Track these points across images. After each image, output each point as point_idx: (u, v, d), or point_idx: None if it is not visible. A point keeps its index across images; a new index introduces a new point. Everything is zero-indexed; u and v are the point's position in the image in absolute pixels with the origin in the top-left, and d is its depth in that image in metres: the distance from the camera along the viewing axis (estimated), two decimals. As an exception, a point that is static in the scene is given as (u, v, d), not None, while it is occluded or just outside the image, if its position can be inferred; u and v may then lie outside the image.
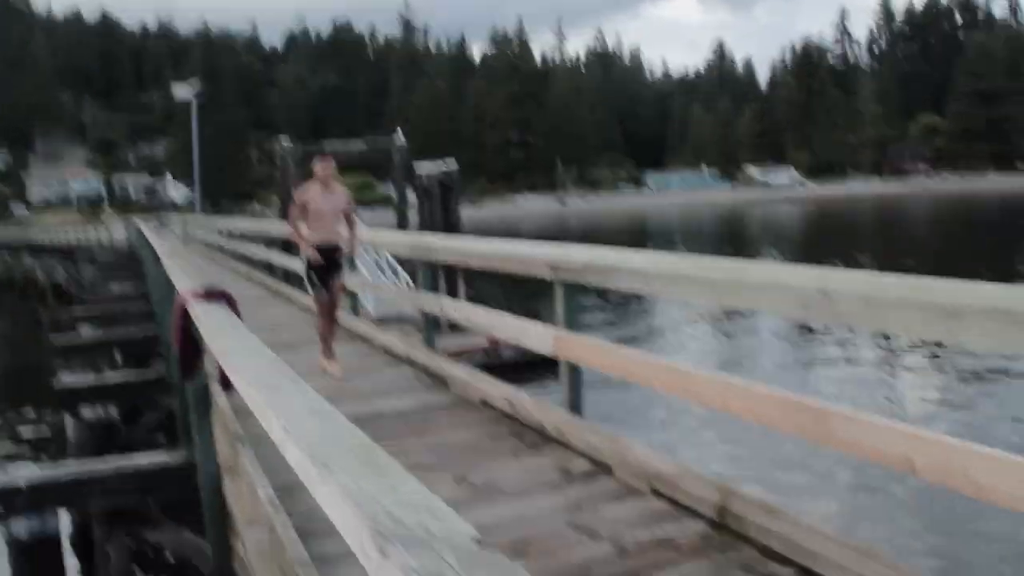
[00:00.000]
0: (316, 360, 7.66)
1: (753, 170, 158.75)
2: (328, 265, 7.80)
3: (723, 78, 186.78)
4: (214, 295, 4.03)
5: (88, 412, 9.23)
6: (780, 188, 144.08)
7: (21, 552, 5.66)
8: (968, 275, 3.33)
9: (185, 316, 4.08)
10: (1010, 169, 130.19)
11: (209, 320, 3.40)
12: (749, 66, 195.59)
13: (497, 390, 6.06)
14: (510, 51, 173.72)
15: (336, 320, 8.14)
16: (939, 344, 14.24)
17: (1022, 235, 46.41)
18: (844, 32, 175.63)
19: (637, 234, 67.84)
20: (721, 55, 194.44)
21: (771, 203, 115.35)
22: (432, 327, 8.11)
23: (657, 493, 4.23)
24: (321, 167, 7.71)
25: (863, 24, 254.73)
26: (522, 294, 26.00)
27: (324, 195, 7.70)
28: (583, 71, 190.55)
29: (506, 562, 1.12)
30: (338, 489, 1.29)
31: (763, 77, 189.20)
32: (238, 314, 3.95)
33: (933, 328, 3.01)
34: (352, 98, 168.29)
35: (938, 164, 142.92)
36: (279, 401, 1.87)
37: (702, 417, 11.64)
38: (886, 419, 3.30)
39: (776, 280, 3.76)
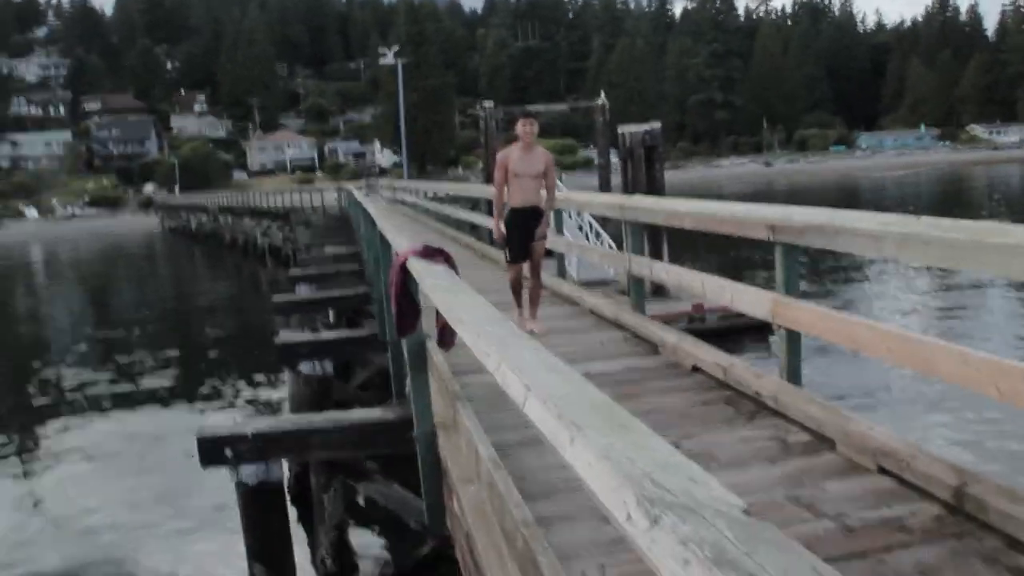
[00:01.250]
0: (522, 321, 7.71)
1: (978, 129, 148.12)
2: (527, 226, 7.76)
3: (945, 28, 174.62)
4: (433, 253, 4.08)
5: (306, 367, 9.67)
6: (1010, 148, 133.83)
7: (248, 495, 6.00)
8: None
9: (404, 273, 4.16)
10: None
11: (431, 276, 3.42)
12: (975, 13, 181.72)
13: (710, 355, 5.89)
14: (712, 6, 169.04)
15: (540, 282, 8.07)
16: None
17: None
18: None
19: (847, 198, 64.98)
20: (943, 2, 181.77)
21: (997, 164, 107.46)
22: (641, 291, 7.99)
23: (884, 471, 3.97)
24: (523, 127, 7.56)
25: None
26: (724, 261, 25.50)
27: (525, 157, 7.61)
28: (790, 24, 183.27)
29: (781, 535, 1.03)
30: (594, 450, 1.22)
31: (991, 25, 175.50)
32: (456, 271, 3.99)
33: None
34: (553, 60, 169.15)
35: None
36: (513, 356, 1.82)
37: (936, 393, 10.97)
38: None
39: (1028, 243, 3.42)
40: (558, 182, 29.59)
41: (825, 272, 23.44)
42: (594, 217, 17.34)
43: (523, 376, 1.63)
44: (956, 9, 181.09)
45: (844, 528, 3.48)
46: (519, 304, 7.91)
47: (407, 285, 4.17)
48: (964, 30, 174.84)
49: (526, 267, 7.89)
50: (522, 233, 7.75)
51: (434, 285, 3.13)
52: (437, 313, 3.65)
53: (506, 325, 2.26)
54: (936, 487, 3.69)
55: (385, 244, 6.73)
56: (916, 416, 10.93)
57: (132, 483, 11.37)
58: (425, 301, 4.05)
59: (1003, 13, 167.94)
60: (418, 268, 3.72)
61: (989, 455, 9.23)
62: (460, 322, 2.38)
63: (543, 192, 7.75)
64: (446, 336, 4.11)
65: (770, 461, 4.27)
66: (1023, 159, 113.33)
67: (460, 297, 2.77)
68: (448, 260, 4.05)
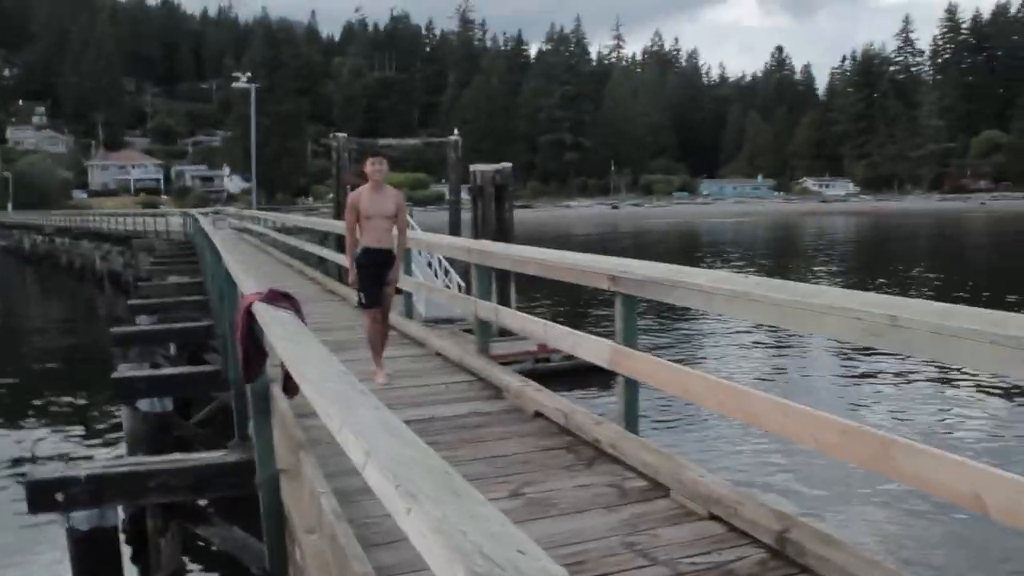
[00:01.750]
0: (368, 363, 7.68)
1: (809, 181, 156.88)
2: (379, 270, 7.61)
3: (781, 85, 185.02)
4: (279, 297, 4.06)
5: (144, 404, 9.35)
6: (836, 200, 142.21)
7: (80, 542, 5.76)
8: None
9: (250, 318, 4.12)
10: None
11: (276, 325, 3.42)
12: (808, 73, 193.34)
13: (552, 402, 6.04)
14: (567, 50, 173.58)
15: (388, 324, 7.95)
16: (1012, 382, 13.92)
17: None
18: (907, 41, 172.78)
19: (689, 242, 67.48)
20: (780, 61, 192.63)
21: (826, 215, 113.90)
22: (486, 334, 8.11)
23: (714, 517, 4.18)
24: (372, 167, 7.42)
25: (927, 34, 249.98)
26: (570, 300, 26.03)
27: (375, 197, 7.48)
28: (640, 72, 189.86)
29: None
30: (427, 523, 1.29)
31: (822, 85, 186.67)
32: (302, 317, 3.98)
33: (1007, 364, 2.93)
34: (408, 92, 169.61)
35: (1000, 181, 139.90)
36: (354, 419, 1.87)
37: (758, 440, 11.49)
38: (953, 454, 3.22)
39: (844, 305, 3.69)
40: (410, 220, 29.62)
41: (668, 320, 24.23)
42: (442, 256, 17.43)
43: (363, 441, 1.68)
44: (792, 68, 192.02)
45: (676, 574, 3.64)
46: (378, 359, 7.68)
47: (253, 330, 4.14)
48: (798, 88, 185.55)
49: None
50: (374, 274, 7.59)
51: (280, 334, 3.13)
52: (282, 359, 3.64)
53: (349, 381, 2.29)
54: (761, 532, 3.91)
55: (230, 280, 6.63)
56: (746, 463, 11.42)
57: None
58: (271, 347, 4.03)
59: (832, 75, 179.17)
60: (264, 315, 3.70)
61: (807, 501, 9.75)
62: (303, 378, 2.40)
63: (395, 232, 7.66)
64: (291, 383, 4.09)
65: (607, 508, 4.41)
66: (847, 211, 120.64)
67: (304, 350, 2.79)
68: (294, 305, 4.04)
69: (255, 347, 4.24)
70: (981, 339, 2.96)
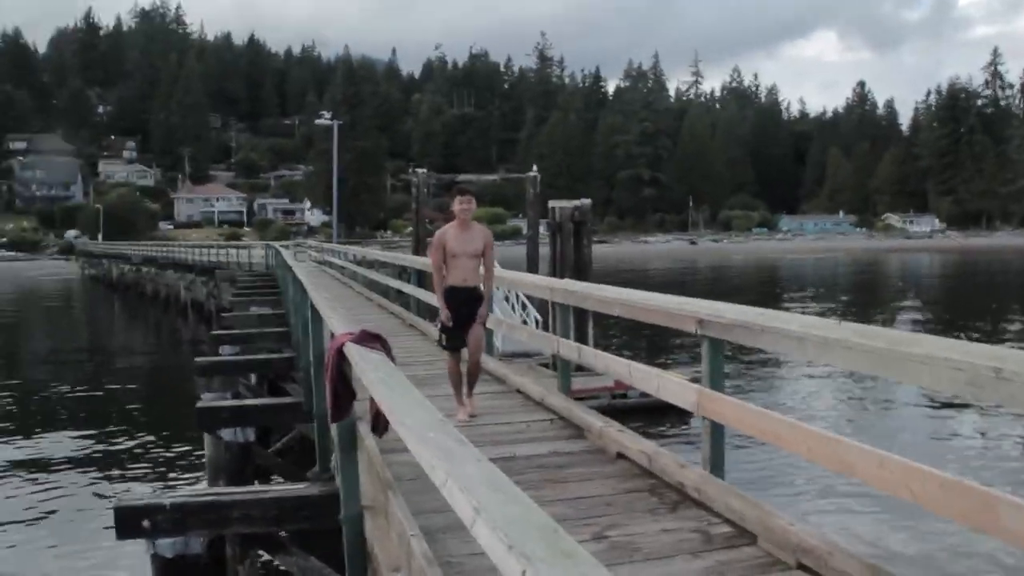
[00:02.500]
0: (449, 398, 7.69)
1: (893, 217, 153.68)
2: (464, 309, 7.47)
3: (863, 120, 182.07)
4: (370, 338, 4.11)
5: (226, 433, 9.53)
6: (920, 237, 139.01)
7: (163, 568, 5.87)
8: None
9: (340, 358, 4.18)
10: None
11: (370, 367, 3.45)
12: (891, 108, 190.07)
13: (635, 443, 5.98)
14: (645, 86, 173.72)
15: (479, 361, 7.72)
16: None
17: None
18: (995, 74, 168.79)
19: (768, 279, 66.52)
20: (862, 96, 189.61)
21: (910, 252, 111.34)
22: (567, 372, 8.08)
23: (804, 567, 4.08)
24: (460, 205, 7.28)
25: (1017, 66, 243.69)
26: (646, 335, 25.79)
27: (462, 236, 7.35)
28: (717, 108, 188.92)
29: None
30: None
31: (906, 120, 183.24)
32: (392, 358, 4.02)
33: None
34: (486, 129, 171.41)
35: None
36: (459, 473, 1.87)
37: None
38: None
39: (944, 355, 3.58)
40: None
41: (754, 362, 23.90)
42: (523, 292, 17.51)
43: (471, 497, 1.68)
44: (874, 103, 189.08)
45: (763, 626, 3.56)
46: (459, 397, 7.57)
47: (343, 369, 4.19)
48: (881, 123, 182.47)
49: (465, 351, 7.59)
50: (460, 315, 7.44)
51: (375, 379, 3.16)
52: (372, 398, 3.67)
53: (448, 430, 2.30)
54: (851, 585, 3.80)
55: (315, 315, 6.73)
56: (835, 511, 11.13)
57: (40, 554, 10.95)
58: (359, 385, 4.07)
59: (916, 110, 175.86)
60: (356, 356, 3.75)
61: (899, 554, 9.46)
62: (402, 425, 2.42)
63: (482, 270, 7.58)
64: (380, 422, 4.14)
65: (692, 554, 4.34)
66: (932, 248, 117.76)
67: (401, 395, 2.81)
68: (385, 347, 4.09)
69: (345, 386, 4.29)
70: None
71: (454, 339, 7.53)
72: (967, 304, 43.54)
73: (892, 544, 9.83)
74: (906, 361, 3.79)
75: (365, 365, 3.46)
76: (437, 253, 7.46)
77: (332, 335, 4.64)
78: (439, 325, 7.65)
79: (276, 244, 30.76)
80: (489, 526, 1.53)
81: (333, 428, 5.03)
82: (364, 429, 4.90)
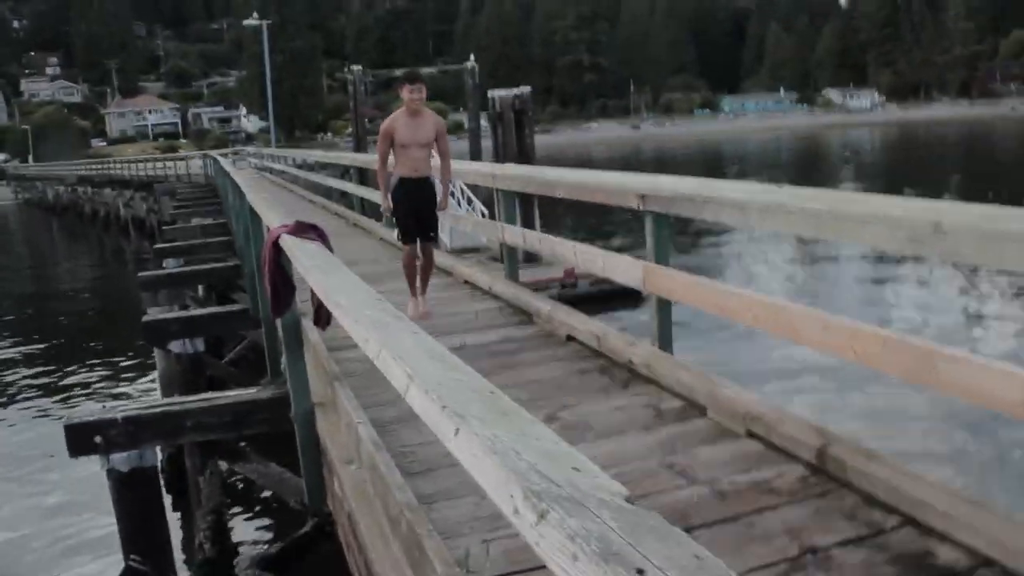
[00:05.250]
0: (396, 293, 7.61)
1: (833, 93, 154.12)
2: (417, 202, 7.17)
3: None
4: (306, 229, 4.01)
5: (176, 346, 9.41)
6: (861, 112, 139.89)
7: (120, 483, 5.82)
8: None
9: (277, 251, 4.07)
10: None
11: (304, 256, 3.37)
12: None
13: (584, 325, 5.99)
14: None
15: (432, 259, 7.52)
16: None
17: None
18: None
19: (713, 161, 66.79)
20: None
21: (851, 127, 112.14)
22: (514, 260, 8.05)
23: (752, 435, 4.13)
24: (410, 93, 6.87)
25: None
26: (594, 226, 25.85)
27: (412, 124, 6.95)
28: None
29: (663, 523, 1.06)
30: (479, 444, 1.23)
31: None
32: (330, 248, 3.93)
33: (1059, 264, 2.83)
34: (421, 22, 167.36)
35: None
36: (394, 343, 1.81)
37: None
38: (999, 362, 3.13)
39: (884, 213, 3.57)
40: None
41: (698, 239, 24.06)
42: (465, 183, 17.34)
43: (405, 364, 1.63)
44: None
45: (716, 493, 3.61)
46: (414, 290, 7.36)
47: (280, 263, 4.09)
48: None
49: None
50: (413, 206, 7.17)
51: (309, 266, 3.08)
52: (312, 291, 3.60)
53: (385, 307, 2.24)
54: (800, 449, 3.85)
55: (255, 217, 6.59)
56: (785, 379, 11.35)
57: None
58: (300, 279, 3.99)
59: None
60: (291, 246, 3.65)
61: (849, 415, 9.69)
62: (338, 306, 2.35)
63: (435, 161, 7.34)
64: (322, 314, 4.06)
65: (645, 429, 4.38)
66: (872, 123, 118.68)
67: (336, 278, 2.74)
68: (321, 236, 3.99)
69: (284, 281, 4.21)
70: (1028, 240, 2.85)
71: (410, 229, 7.24)
72: (908, 174, 44.14)
73: (838, 408, 10.06)
74: (847, 221, 3.78)
75: (300, 254, 3.37)
76: (384, 143, 7.11)
77: (268, 230, 4.52)
78: (397, 236, 7.38)
79: (214, 153, 30.06)
80: (422, 389, 1.48)
81: (278, 327, 4.97)
82: (309, 325, 4.83)
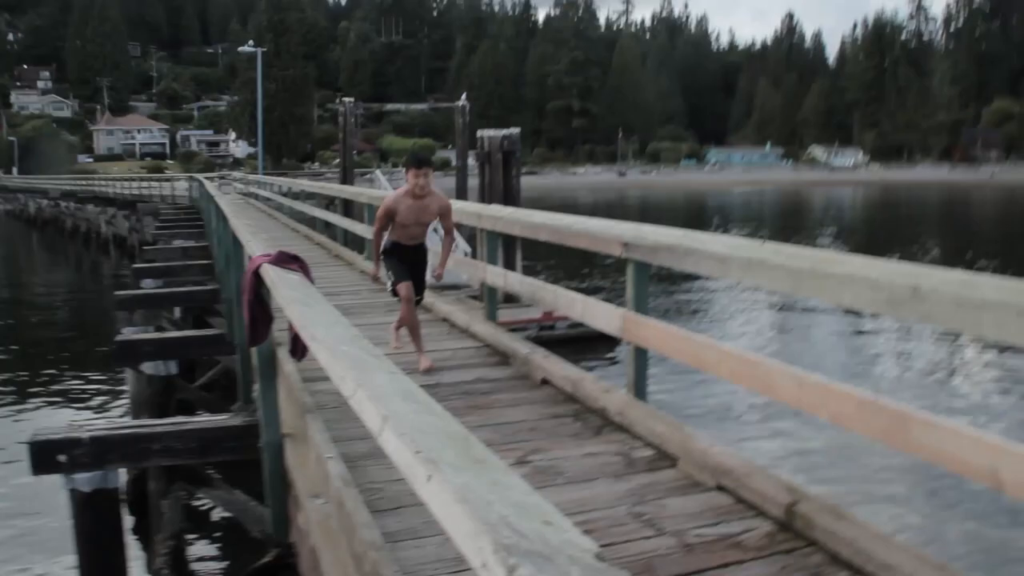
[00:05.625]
0: (374, 327, 7.60)
1: (818, 150, 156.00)
2: (411, 262, 6.98)
3: (792, 52, 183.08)
4: (288, 260, 4.00)
5: (148, 367, 9.33)
6: (844, 170, 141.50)
7: (82, 503, 5.74)
8: None
9: (257, 280, 4.06)
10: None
11: (284, 287, 3.35)
12: (819, 40, 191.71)
13: (560, 369, 5.99)
14: (575, 15, 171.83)
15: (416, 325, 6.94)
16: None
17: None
18: (919, 7, 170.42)
19: (697, 211, 67.25)
20: (790, 27, 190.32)
21: (835, 185, 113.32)
22: (494, 300, 8.05)
23: (723, 488, 4.13)
24: (416, 180, 6.56)
25: (940, 0, 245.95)
26: (576, 270, 25.93)
27: (416, 208, 6.70)
28: (648, 38, 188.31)
29: (629, 582, 1.05)
30: (450, 491, 1.22)
31: (833, 52, 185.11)
32: (310, 279, 3.92)
33: (1032, 335, 2.85)
34: (415, 57, 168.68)
35: (1011, 152, 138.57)
36: (369, 382, 1.81)
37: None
38: (971, 428, 3.16)
39: (864, 274, 3.61)
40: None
41: (678, 289, 24.15)
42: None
43: (380, 406, 1.62)
44: (802, 35, 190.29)
45: (683, 545, 3.60)
46: (418, 343, 6.81)
47: (260, 292, 4.08)
48: (808, 55, 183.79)
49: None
50: (408, 261, 6.95)
51: (289, 297, 3.07)
52: (291, 322, 3.58)
53: (363, 344, 2.23)
54: (769, 504, 3.85)
55: (237, 243, 6.57)
56: (756, 433, 11.37)
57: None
58: (278, 308, 3.98)
59: (843, 43, 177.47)
60: (272, 276, 3.64)
61: (819, 475, 9.70)
62: (314, 339, 2.34)
63: (436, 234, 7.38)
64: (299, 346, 4.04)
65: (615, 477, 4.37)
66: (856, 181, 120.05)
67: (315, 311, 2.73)
68: (303, 268, 3.98)
69: (262, 310, 4.19)
70: (1007, 310, 2.88)
71: (401, 274, 6.84)
72: (887, 235, 44.57)
73: (812, 465, 10.08)
74: (828, 280, 3.81)
75: (280, 284, 3.36)
76: (383, 219, 6.83)
77: (250, 259, 4.51)
78: (389, 287, 6.88)
79: (200, 176, 30.02)
80: (397, 432, 1.47)
81: (253, 355, 4.94)
82: (284, 355, 4.80)
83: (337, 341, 2.24)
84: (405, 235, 6.86)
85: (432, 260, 7.46)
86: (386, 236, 6.94)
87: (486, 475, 1.33)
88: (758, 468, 4.20)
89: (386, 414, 1.56)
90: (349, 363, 1.96)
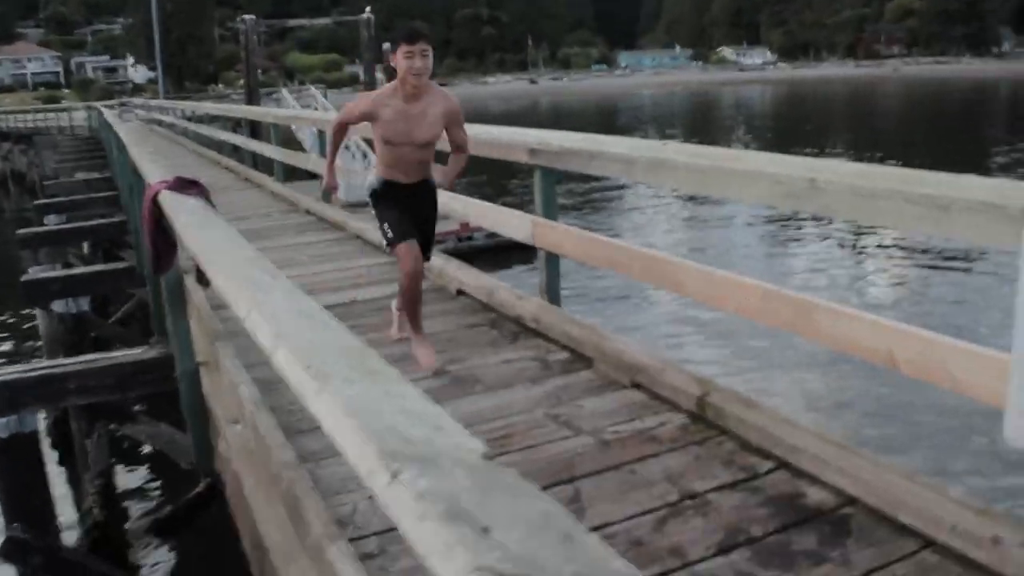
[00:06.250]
0: (286, 249, 7.50)
1: (727, 50, 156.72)
2: (414, 206, 4.81)
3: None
4: (186, 185, 3.90)
5: (58, 305, 9.09)
6: (753, 69, 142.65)
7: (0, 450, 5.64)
8: (938, 162, 3.28)
9: (156, 207, 3.96)
10: (985, 54, 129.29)
11: (182, 212, 3.28)
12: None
13: (474, 279, 6.02)
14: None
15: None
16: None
17: (991, 121, 46.59)
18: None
19: (608, 116, 67.27)
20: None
21: (743, 84, 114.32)
22: (407, 215, 7.99)
23: (638, 385, 4.23)
24: (408, 58, 4.37)
25: None
26: (489, 182, 25.83)
27: (409, 114, 4.54)
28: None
29: (518, 479, 1.07)
30: (338, 404, 1.22)
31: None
32: (212, 204, 3.84)
33: (923, 221, 2.95)
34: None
35: (913, 47, 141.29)
36: (264, 301, 1.79)
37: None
38: (869, 314, 3.29)
39: (764, 169, 3.68)
40: (323, 100, 28.56)
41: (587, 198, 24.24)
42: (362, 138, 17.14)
43: (273, 324, 1.61)
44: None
45: (600, 442, 3.69)
46: (417, 325, 4.83)
47: (160, 221, 3.98)
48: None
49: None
50: (406, 204, 4.79)
51: (187, 222, 3.01)
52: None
53: (260, 264, 2.20)
54: (682, 398, 3.97)
55: (138, 173, 6.38)
56: (671, 332, 11.62)
57: None
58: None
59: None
60: (170, 203, 3.55)
61: (730, 365, 9.99)
62: (211, 264, 2.30)
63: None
64: (204, 272, 3.97)
65: (532, 381, 4.44)
66: (765, 80, 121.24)
67: (212, 235, 2.68)
68: (203, 192, 3.89)
69: (164, 238, 4.09)
70: (897, 198, 2.97)
71: (404, 226, 4.73)
72: (794, 131, 45.27)
73: (720, 360, 10.34)
74: (730, 177, 3.88)
75: (178, 211, 3.28)
76: (348, 117, 4.85)
77: (148, 186, 4.39)
78: (385, 230, 4.78)
79: (98, 105, 28.92)
80: (288, 350, 1.47)
81: (162, 287, 4.84)
82: (192, 283, 4.73)
83: (235, 264, 2.20)
84: (399, 164, 4.70)
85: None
86: (372, 172, 4.98)
87: (378, 386, 1.33)
88: (671, 364, 4.31)
89: (278, 332, 1.55)
90: (244, 284, 1.94)
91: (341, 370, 1.38)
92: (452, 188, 5.27)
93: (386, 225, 4.74)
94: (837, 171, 3.39)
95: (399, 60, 4.40)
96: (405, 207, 4.77)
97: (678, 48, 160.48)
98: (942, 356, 2.82)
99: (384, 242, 4.88)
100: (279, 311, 1.72)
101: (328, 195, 6.01)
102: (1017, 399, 2.42)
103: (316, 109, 22.76)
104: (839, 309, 3.34)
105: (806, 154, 31.42)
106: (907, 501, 2.89)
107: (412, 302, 4.79)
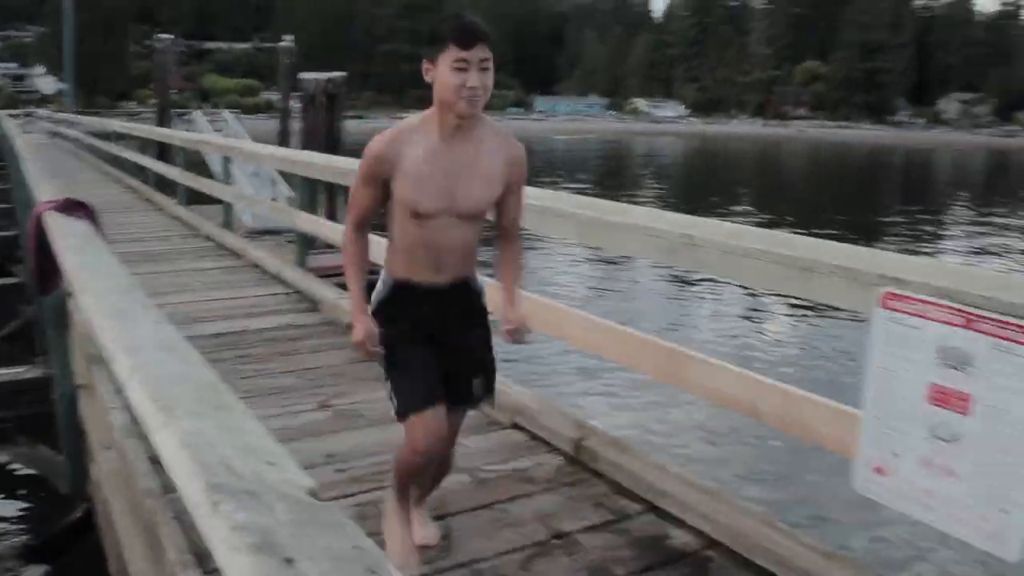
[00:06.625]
0: (181, 274, 7.43)
1: (641, 102, 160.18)
2: (443, 322, 2.95)
3: (619, 6, 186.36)
4: (74, 206, 3.86)
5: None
6: (666, 121, 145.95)
7: None
8: (832, 223, 3.46)
9: (41, 227, 3.91)
10: (883, 121, 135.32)
11: (64, 235, 3.27)
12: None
13: (368, 316, 6.04)
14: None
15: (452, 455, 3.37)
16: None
17: (885, 187, 48.76)
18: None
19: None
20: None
21: (656, 136, 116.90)
22: (305, 246, 8.00)
23: (518, 426, 4.33)
24: (460, 71, 2.67)
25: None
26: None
27: (452, 152, 2.77)
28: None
29: (338, 516, 1.13)
30: (176, 436, 1.27)
31: (659, 8, 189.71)
32: (99, 227, 3.81)
33: (789, 282, 3.11)
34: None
35: (817, 110, 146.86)
36: (126, 332, 1.82)
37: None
38: (735, 366, 3.45)
39: (644, 224, 3.83)
40: (237, 126, 28.09)
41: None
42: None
43: (130, 356, 1.64)
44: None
45: (476, 481, 3.77)
46: (405, 501, 3.29)
47: (45, 241, 3.93)
48: (635, 10, 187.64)
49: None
50: (438, 328, 2.95)
51: (67, 246, 3.00)
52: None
53: (136, 296, 2.22)
54: (559, 440, 4.09)
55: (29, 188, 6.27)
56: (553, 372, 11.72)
57: None
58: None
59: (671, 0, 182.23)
60: (53, 224, 3.53)
61: (607, 412, 10.12)
62: (84, 291, 2.32)
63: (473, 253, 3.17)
64: (76, 299, 3.91)
65: (415, 419, 4.48)
66: (677, 133, 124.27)
67: (90, 261, 2.69)
68: (90, 215, 3.86)
69: (47, 259, 4.04)
70: (766, 259, 3.13)
71: (424, 384, 2.94)
72: (704, 183, 46.44)
73: (597, 405, 10.48)
74: (613, 230, 4.02)
75: (60, 233, 3.26)
76: (365, 188, 2.86)
77: (35, 206, 4.33)
78: (391, 391, 3.04)
79: (2, 113, 28.08)
80: (140, 380, 1.51)
81: (45, 306, 4.77)
82: (76, 305, 4.65)
83: (106, 292, 2.22)
84: (426, 251, 2.83)
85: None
86: (385, 267, 3.03)
87: (224, 422, 1.37)
88: (551, 406, 4.42)
89: (134, 364, 1.58)
90: (111, 313, 1.97)
91: (189, 404, 1.42)
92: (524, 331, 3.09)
93: (395, 377, 2.98)
94: (712, 230, 3.56)
95: (441, 73, 2.68)
96: (428, 335, 2.92)
97: (593, 96, 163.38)
98: (799, 409, 2.99)
99: (389, 394, 3.03)
100: (142, 343, 1.75)
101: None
102: (864, 452, 2.59)
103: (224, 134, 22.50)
104: (708, 361, 3.49)
105: (714, 207, 32.27)
106: (763, 545, 3.05)
107: (410, 472, 3.19)
